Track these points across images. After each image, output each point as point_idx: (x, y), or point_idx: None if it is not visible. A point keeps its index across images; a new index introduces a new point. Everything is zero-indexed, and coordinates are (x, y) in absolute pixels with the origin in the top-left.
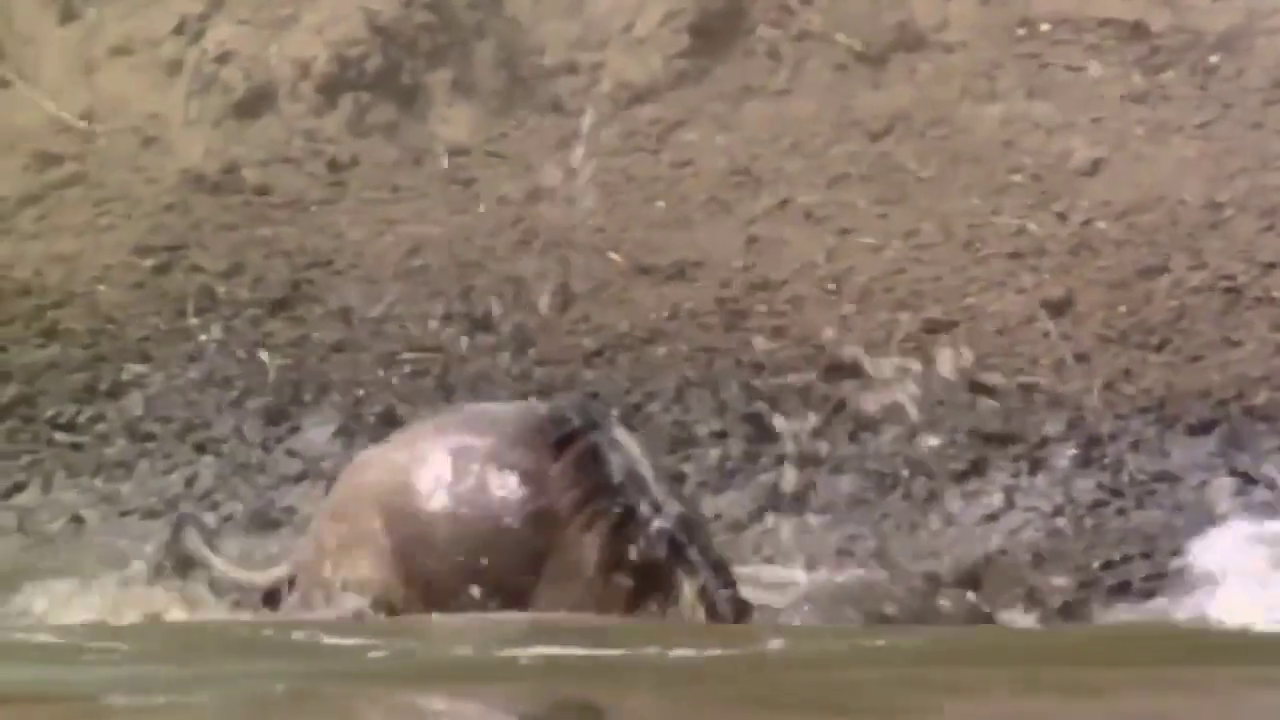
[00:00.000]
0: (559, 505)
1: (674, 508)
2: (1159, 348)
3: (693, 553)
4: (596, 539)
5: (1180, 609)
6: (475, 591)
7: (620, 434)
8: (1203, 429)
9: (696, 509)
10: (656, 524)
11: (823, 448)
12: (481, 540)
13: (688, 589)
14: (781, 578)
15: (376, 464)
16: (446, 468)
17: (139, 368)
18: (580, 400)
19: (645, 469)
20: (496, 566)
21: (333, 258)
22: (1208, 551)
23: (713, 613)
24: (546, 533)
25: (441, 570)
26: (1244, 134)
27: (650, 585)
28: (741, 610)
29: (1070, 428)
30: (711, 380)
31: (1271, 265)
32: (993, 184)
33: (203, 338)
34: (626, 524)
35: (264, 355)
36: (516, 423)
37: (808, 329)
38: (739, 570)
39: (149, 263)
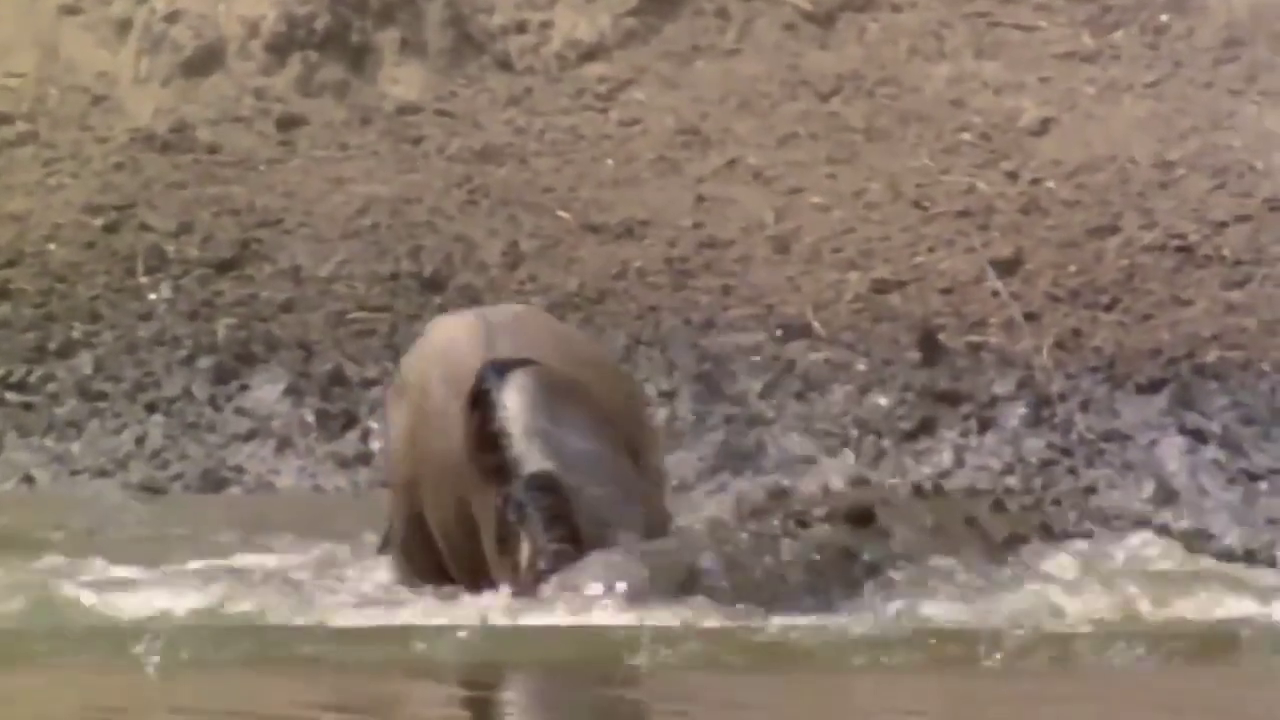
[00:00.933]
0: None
1: (532, 466)
2: (1109, 307)
3: (530, 511)
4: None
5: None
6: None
7: (507, 394)
8: (1153, 388)
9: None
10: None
11: (771, 407)
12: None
13: (525, 547)
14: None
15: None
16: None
17: (89, 327)
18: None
19: (517, 428)
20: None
21: (282, 216)
22: None
23: (534, 569)
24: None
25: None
26: (1195, 93)
27: (507, 543)
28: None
29: (1020, 387)
30: (660, 339)
31: (1222, 224)
32: (942, 143)
33: (152, 296)
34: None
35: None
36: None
37: (756, 288)
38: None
39: (99, 222)
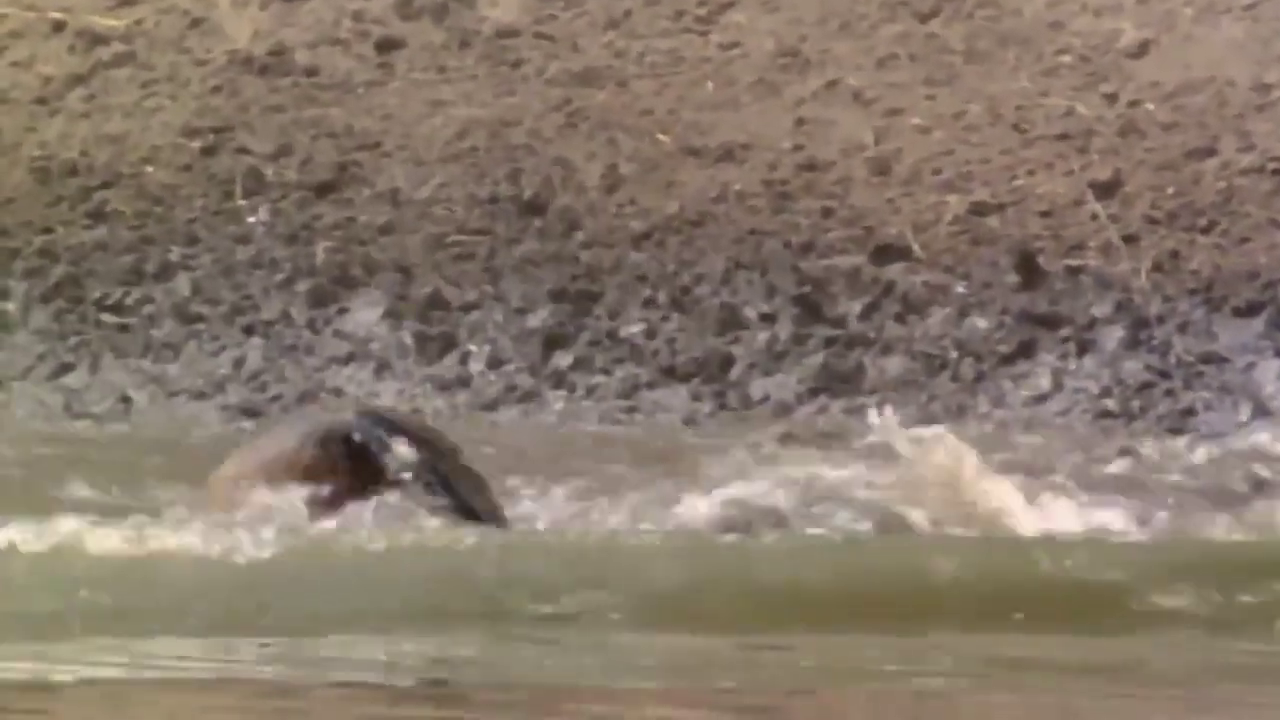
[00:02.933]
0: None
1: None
2: (1207, 230)
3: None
4: None
5: None
6: None
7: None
8: (1250, 311)
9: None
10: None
11: (871, 330)
12: None
13: None
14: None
15: None
16: None
17: (187, 250)
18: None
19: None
20: None
21: (380, 140)
22: None
23: None
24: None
25: None
26: None
27: None
28: None
29: (1118, 310)
30: (760, 262)
31: None
32: (1041, 65)
33: (250, 220)
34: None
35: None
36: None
37: (856, 211)
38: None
39: (196, 144)
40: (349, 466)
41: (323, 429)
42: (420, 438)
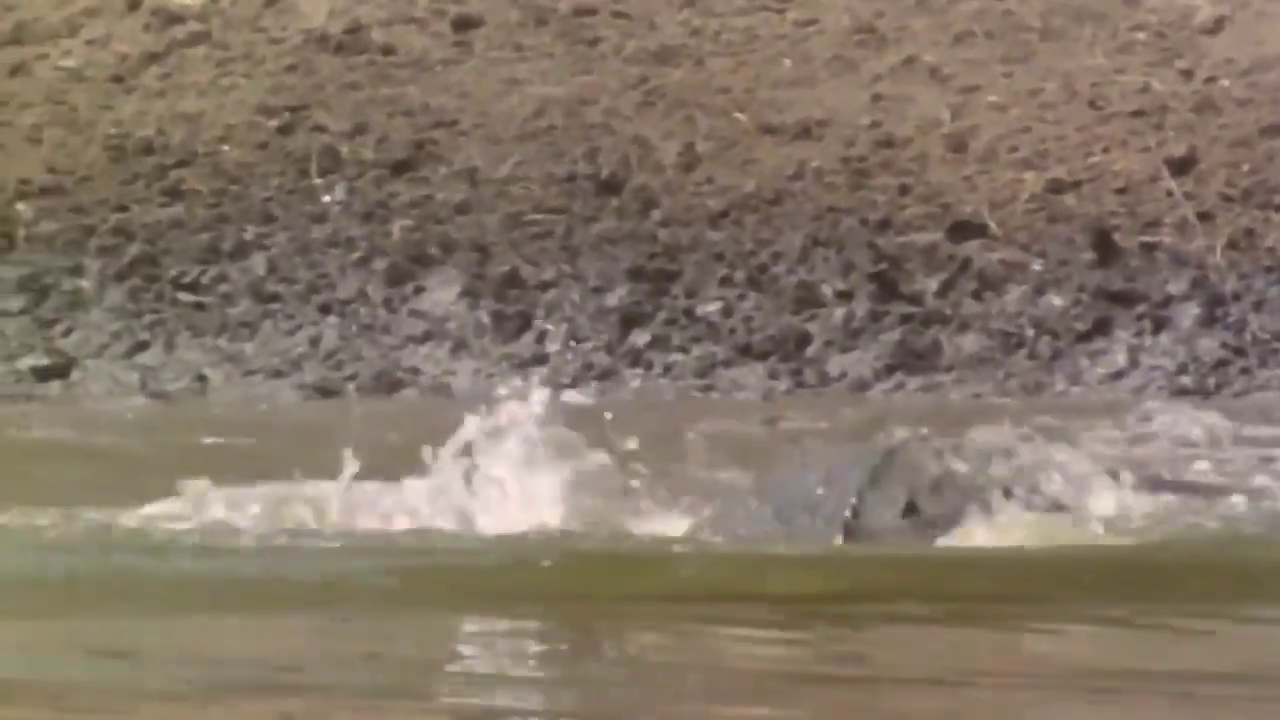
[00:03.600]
0: None
1: None
2: None
3: None
4: None
5: None
6: None
7: None
8: None
9: None
10: None
11: (948, 307)
12: None
13: None
14: None
15: None
16: None
17: (262, 228)
18: None
19: None
20: None
21: (457, 118)
22: None
23: None
24: None
25: None
26: None
27: None
28: None
29: (1194, 287)
30: (837, 239)
31: None
32: (1116, 42)
33: (326, 198)
34: None
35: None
36: None
37: (933, 187)
38: None
39: (273, 123)
40: None
41: None
42: None
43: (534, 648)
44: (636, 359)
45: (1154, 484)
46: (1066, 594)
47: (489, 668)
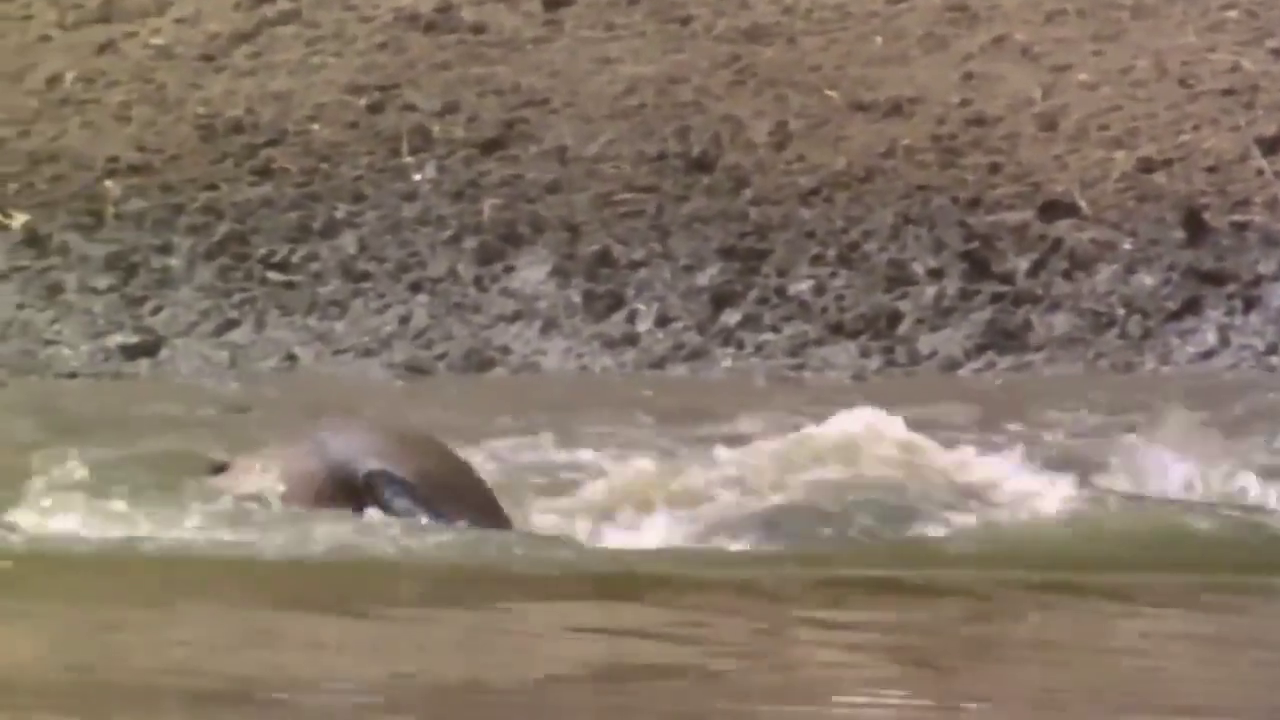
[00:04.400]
0: None
1: None
2: None
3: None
4: None
5: None
6: None
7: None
8: None
9: None
10: None
11: (1038, 286)
12: None
13: None
14: None
15: None
16: None
17: (353, 206)
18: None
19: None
20: None
21: (548, 97)
22: None
23: None
24: None
25: None
26: None
27: None
28: None
29: None
30: (928, 217)
31: None
32: (1207, 20)
33: (417, 177)
34: None
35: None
36: None
37: (1024, 166)
38: None
39: (363, 101)
40: (353, 503)
41: (340, 473)
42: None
43: None
44: (728, 338)
45: None
46: None
47: None
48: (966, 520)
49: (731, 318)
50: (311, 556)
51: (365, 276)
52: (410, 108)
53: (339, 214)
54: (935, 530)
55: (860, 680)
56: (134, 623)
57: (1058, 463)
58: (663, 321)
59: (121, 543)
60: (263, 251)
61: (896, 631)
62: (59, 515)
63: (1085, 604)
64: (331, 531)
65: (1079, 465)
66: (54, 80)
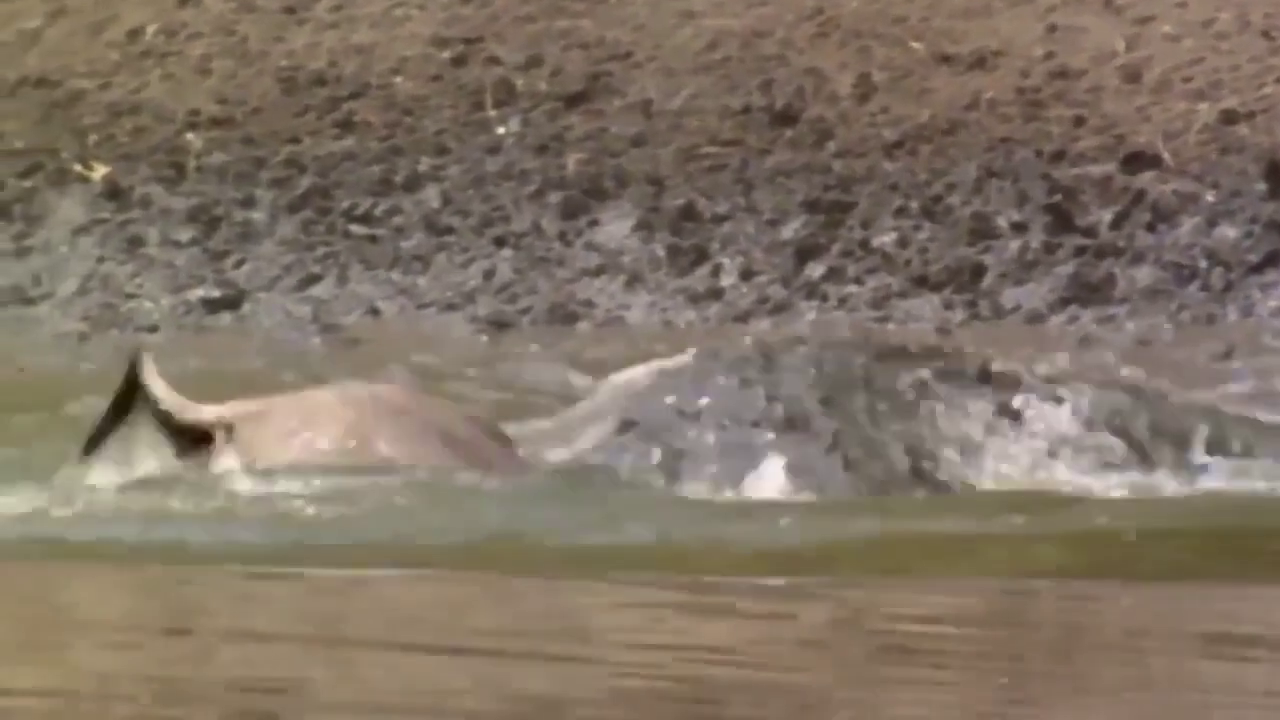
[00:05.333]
0: None
1: None
2: None
3: None
4: None
5: None
6: None
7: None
8: None
9: None
10: None
11: (1121, 239)
12: None
13: None
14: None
15: None
16: None
17: (436, 160)
18: None
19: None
20: None
21: (632, 50)
22: None
23: None
24: None
25: None
26: None
27: None
28: None
29: None
30: (1011, 170)
31: None
32: None
33: (500, 130)
34: None
35: None
36: None
37: (1107, 118)
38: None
39: (446, 54)
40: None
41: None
42: None
43: None
44: (812, 291)
45: None
46: None
47: None
48: None
49: (815, 271)
50: None
51: (449, 230)
52: (494, 61)
53: (422, 168)
54: None
55: None
56: None
57: None
58: (747, 275)
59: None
60: (345, 205)
61: None
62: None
63: None
64: None
65: None
66: (135, 32)
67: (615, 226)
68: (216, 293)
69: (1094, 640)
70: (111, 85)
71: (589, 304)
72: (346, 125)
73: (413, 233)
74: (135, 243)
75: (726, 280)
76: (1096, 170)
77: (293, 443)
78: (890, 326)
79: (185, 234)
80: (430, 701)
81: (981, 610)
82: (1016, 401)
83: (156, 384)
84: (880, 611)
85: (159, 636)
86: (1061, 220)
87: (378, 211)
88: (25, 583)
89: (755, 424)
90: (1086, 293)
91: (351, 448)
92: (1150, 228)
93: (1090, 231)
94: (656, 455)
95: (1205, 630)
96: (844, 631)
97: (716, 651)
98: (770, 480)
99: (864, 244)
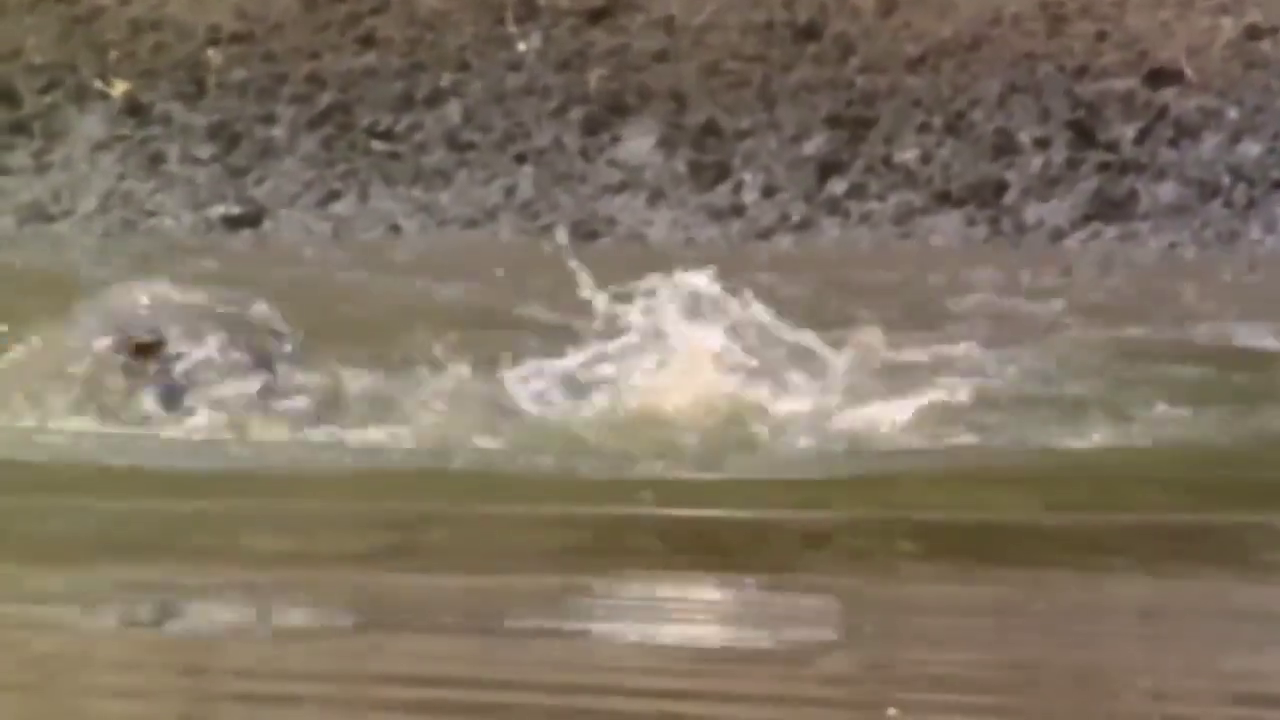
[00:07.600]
0: None
1: None
2: None
3: None
4: None
5: None
6: None
7: None
8: None
9: None
10: None
11: (1144, 155)
12: None
13: None
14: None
15: None
16: None
17: (457, 76)
18: None
19: None
20: None
21: None
22: None
23: None
24: None
25: None
26: None
27: None
28: None
29: None
30: (1034, 86)
31: None
32: None
33: (522, 46)
34: None
35: None
36: None
37: (1130, 34)
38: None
39: None
40: None
41: None
42: None
43: None
44: (834, 207)
45: None
46: None
47: None
48: None
49: (838, 187)
50: None
51: (470, 147)
52: None
53: (444, 83)
54: None
55: None
56: None
57: None
58: (769, 192)
59: None
60: (366, 121)
61: None
62: None
63: None
64: None
65: None
66: None
67: (637, 143)
68: (237, 209)
69: None
70: (131, 1)
71: (611, 221)
72: (367, 41)
73: (434, 149)
74: (156, 159)
75: (749, 197)
76: (1120, 85)
77: None
78: (912, 243)
79: (205, 151)
80: None
81: None
82: None
83: None
84: None
85: None
86: (1084, 136)
87: (399, 128)
88: None
89: None
90: (1109, 209)
91: None
92: (1173, 144)
93: (1113, 147)
94: None
95: None
96: None
97: None
98: None
99: (886, 160)
